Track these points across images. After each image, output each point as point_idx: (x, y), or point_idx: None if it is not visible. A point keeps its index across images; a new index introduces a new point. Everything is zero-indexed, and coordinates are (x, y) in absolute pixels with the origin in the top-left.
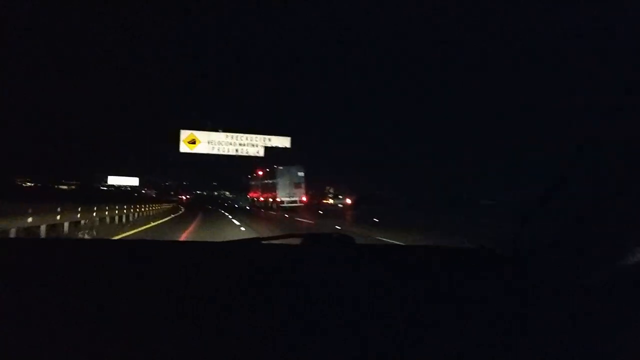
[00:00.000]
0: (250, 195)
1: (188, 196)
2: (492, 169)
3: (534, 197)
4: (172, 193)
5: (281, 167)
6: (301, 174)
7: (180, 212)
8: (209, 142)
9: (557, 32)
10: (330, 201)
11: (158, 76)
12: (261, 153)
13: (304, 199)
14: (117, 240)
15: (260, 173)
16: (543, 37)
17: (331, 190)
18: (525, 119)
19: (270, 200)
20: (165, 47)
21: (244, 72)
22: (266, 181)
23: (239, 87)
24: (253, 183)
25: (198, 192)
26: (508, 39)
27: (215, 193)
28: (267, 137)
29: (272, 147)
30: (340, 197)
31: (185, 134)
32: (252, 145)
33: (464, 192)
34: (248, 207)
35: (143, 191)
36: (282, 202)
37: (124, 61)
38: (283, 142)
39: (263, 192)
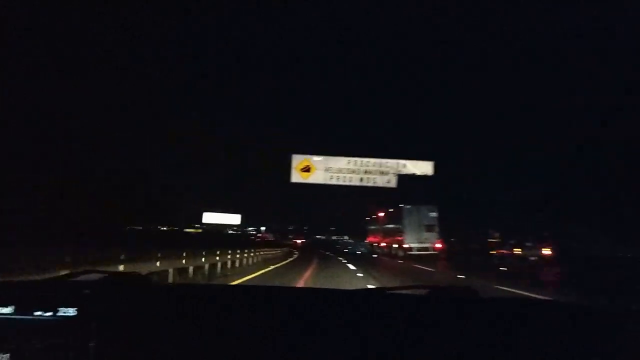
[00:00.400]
0: (370, 240)
1: (303, 240)
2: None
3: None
4: (290, 237)
5: (408, 207)
6: (433, 214)
7: (292, 258)
8: (326, 170)
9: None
10: (519, 251)
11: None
12: (393, 183)
13: (439, 245)
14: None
15: (382, 215)
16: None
17: (496, 236)
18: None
19: (395, 246)
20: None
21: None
22: (389, 224)
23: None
24: (372, 227)
25: (317, 236)
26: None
27: (334, 237)
28: (400, 162)
29: (407, 176)
30: (528, 244)
31: (298, 160)
32: (380, 172)
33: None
34: (375, 255)
35: (259, 235)
36: (410, 248)
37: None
38: (422, 167)
39: (385, 236)
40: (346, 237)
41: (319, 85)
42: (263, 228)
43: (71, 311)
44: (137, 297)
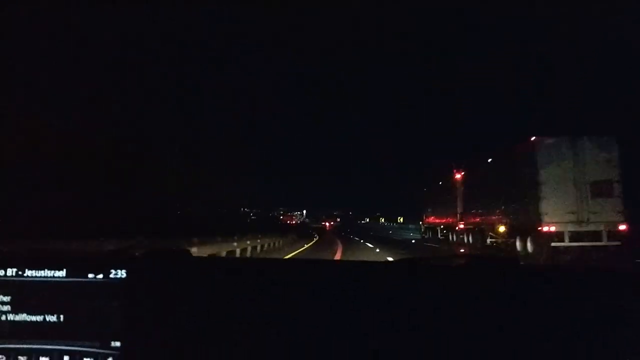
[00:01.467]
0: (428, 220)
1: (332, 223)
2: None
3: None
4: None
5: (550, 140)
6: (609, 154)
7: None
8: None
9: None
10: None
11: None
12: None
13: (623, 227)
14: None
15: (463, 173)
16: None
17: None
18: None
19: (502, 229)
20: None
21: None
22: (486, 182)
23: None
24: (427, 197)
25: (360, 221)
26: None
27: (382, 220)
28: None
29: None
30: None
31: None
32: None
33: None
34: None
35: (281, 216)
36: (557, 235)
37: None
38: None
39: (469, 213)
40: (400, 219)
41: None
42: (304, 211)
43: (121, 273)
44: (183, 264)
